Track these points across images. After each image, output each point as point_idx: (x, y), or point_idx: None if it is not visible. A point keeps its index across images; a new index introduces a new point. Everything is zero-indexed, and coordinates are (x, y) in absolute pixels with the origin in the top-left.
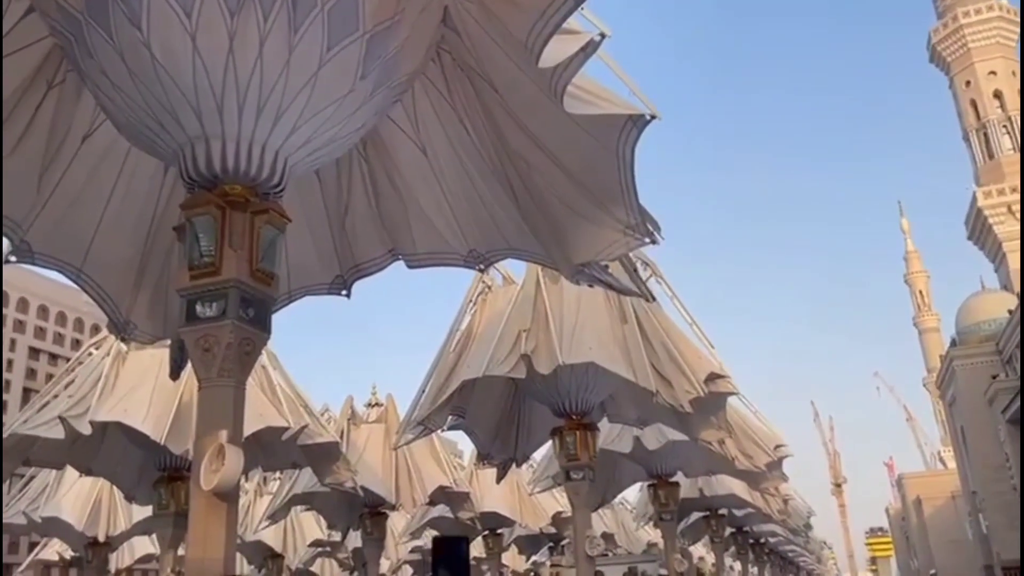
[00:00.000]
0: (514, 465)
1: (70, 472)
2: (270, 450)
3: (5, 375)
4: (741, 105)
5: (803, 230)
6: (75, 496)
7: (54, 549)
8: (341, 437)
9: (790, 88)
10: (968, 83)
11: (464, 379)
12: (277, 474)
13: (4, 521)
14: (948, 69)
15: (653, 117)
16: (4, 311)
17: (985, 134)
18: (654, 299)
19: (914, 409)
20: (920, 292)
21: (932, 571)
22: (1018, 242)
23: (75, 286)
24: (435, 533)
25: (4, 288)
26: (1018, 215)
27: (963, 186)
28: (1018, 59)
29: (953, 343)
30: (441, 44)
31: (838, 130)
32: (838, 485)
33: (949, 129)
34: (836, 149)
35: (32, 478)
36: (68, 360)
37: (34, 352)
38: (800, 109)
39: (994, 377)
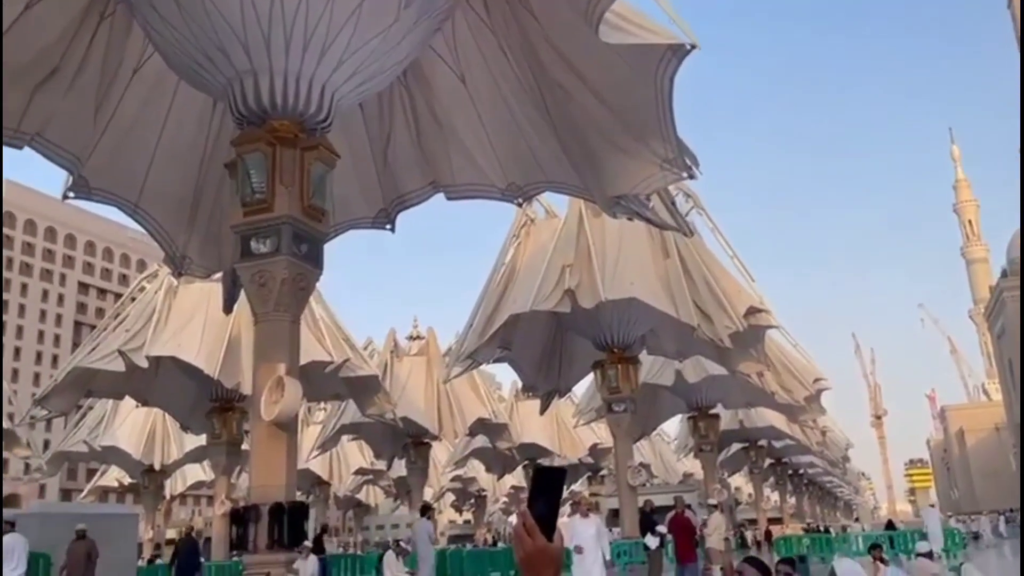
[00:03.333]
0: (556, 397)
1: (125, 404)
2: (314, 382)
3: (57, 309)
4: (792, 37)
5: (851, 161)
6: (131, 426)
7: (113, 476)
8: (384, 370)
9: (840, 20)
10: None
11: (511, 313)
12: (322, 405)
13: (67, 449)
14: None
15: (693, 47)
16: (52, 247)
17: None
18: (692, 234)
19: (958, 341)
20: (969, 221)
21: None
22: None
23: (119, 222)
24: (476, 462)
25: (53, 225)
26: None
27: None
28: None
29: (1003, 274)
30: None
31: (890, 58)
32: (878, 417)
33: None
34: (887, 77)
35: (90, 409)
36: (117, 295)
37: (83, 287)
38: (851, 40)
39: None
